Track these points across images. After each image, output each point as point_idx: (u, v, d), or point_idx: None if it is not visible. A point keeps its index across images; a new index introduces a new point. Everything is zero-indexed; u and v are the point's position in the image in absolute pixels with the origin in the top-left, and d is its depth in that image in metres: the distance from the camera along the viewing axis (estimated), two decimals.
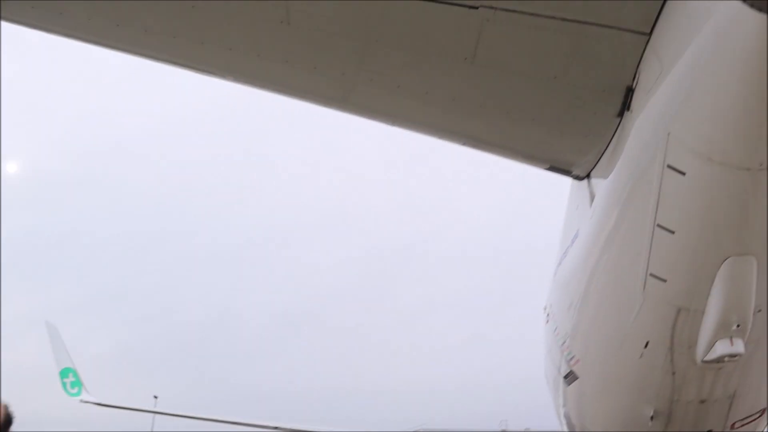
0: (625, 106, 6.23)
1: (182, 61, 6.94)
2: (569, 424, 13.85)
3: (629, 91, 6.10)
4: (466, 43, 5.93)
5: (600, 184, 7.36)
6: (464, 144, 7.75)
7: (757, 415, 9.79)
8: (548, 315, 11.59)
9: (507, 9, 5.48)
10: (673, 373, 8.38)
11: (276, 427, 26.10)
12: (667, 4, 5.30)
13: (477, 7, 5.49)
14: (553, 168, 7.93)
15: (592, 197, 7.62)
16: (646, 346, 8.13)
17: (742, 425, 9.85)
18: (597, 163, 7.25)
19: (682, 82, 5.39)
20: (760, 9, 4.42)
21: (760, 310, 6.87)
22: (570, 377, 10.86)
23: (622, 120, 6.40)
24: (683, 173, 5.76)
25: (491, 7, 5.46)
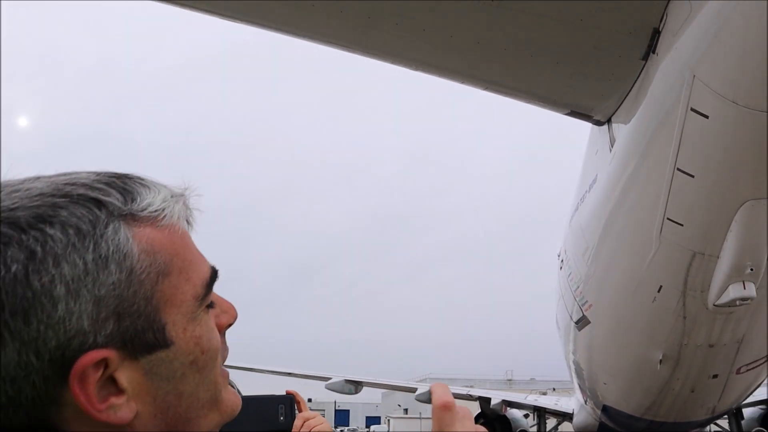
0: (651, 48, 6.24)
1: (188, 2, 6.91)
2: (578, 369, 14.20)
3: (656, 34, 6.11)
4: None
5: (621, 129, 7.42)
6: (486, 89, 7.78)
7: (763, 360, 10.06)
8: (562, 261, 11.79)
9: None
10: (684, 318, 8.60)
11: (289, 373, 26.73)
12: None
13: None
14: (574, 113, 7.97)
15: (612, 142, 7.69)
16: (659, 290, 8.32)
17: (748, 370, 10.14)
18: (619, 107, 7.28)
19: (710, 24, 5.40)
20: None
21: None
22: (582, 322, 11.12)
23: (647, 63, 6.41)
24: (706, 116, 5.82)
25: None
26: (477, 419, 21.46)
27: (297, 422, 1.98)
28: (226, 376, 1.03)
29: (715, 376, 9.88)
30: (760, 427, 18.20)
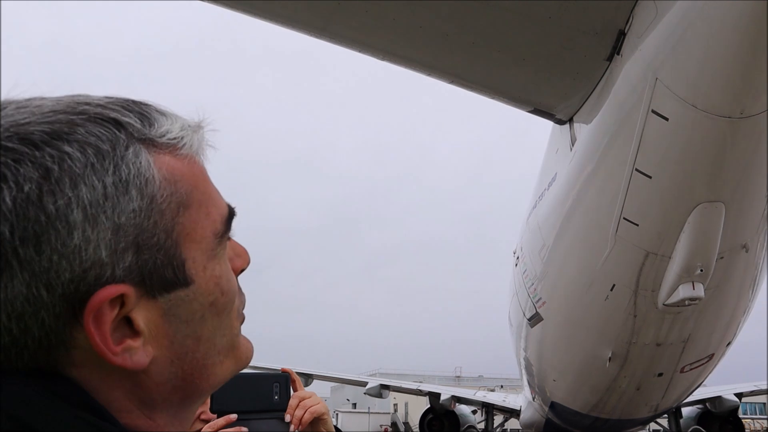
0: (616, 49, 6.34)
1: None
2: (528, 366, 14.43)
3: (621, 35, 6.21)
4: None
5: (582, 128, 7.53)
6: (452, 82, 7.78)
7: (706, 359, 10.39)
8: (518, 258, 11.93)
9: None
10: (635, 316, 8.80)
11: None
12: None
13: None
14: (537, 111, 8.05)
15: (573, 141, 7.80)
16: (612, 289, 8.50)
17: (691, 369, 10.46)
18: (581, 107, 7.39)
19: (674, 28, 5.52)
20: None
21: (722, 257, 7.22)
22: (534, 319, 11.28)
23: (611, 64, 6.52)
24: (666, 119, 5.95)
25: None
26: (426, 414, 21.64)
27: (292, 402, 1.91)
28: (242, 322, 0.97)
29: (660, 375, 10.15)
30: (697, 425, 18.85)
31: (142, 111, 0.86)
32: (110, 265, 0.77)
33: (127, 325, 0.81)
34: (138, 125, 0.84)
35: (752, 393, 19.92)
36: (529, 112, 8.12)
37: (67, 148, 0.77)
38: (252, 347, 0.99)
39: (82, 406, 0.78)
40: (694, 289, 7.32)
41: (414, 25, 6.92)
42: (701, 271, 7.12)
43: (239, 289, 0.97)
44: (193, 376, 0.88)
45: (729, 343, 10.33)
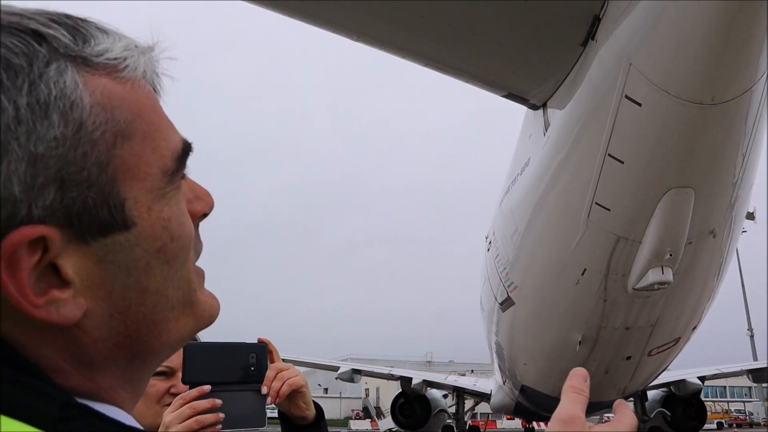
0: (590, 35, 6.36)
1: None
2: (499, 350, 14.59)
3: (596, 20, 6.22)
4: None
5: (556, 114, 7.56)
6: (426, 65, 7.74)
7: (672, 343, 10.61)
8: (490, 243, 12.00)
9: None
10: (605, 301, 8.93)
11: None
12: None
13: None
14: (511, 95, 8.05)
15: (547, 126, 7.83)
16: (583, 273, 8.59)
17: (658, 352, 10.67)
18: (555, 92, 7.41)
19: (649, 14, 5.54)
20: None
21: (690, 242, 7.33)
22: (506, 304, 11.38)
23: (586, 49, 6.54)
24: (639, 104, 6.00)
25: None
26: (398, 398, 21.77)
27: (269, 373, 1.83)
28: (201, 275, 0.86)
29: (628, 358, 10.34)
30: (662, 408, 19.29)
31: (76, 25, 0.73)
32: (25, 202, 0.66)
33: (55, 274, 0.69)
34: (66, 40, 0.71)
35: (714, 376, 20.43)
36: (504, 96, 8.12)
37: None
38: (217, 304, 0.88)
39: (6, 363, 0.67)
40: (663, 273, 7.44)
41: (389, 6, 6.85)
42: (670, 255, 7.23)
43: (197, 236, 0.85)
44: (140, 332, 0.77)
45: (695, 328, 10.55)
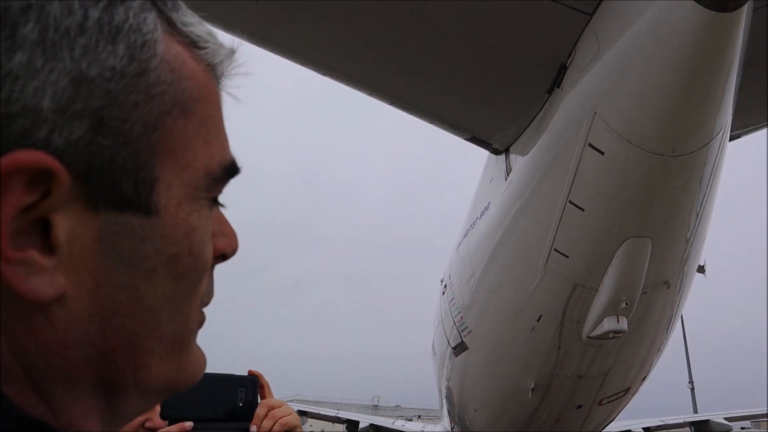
0: (557, 82, 6.46)
1: None
2: (449, 395, 14.38)
3: (562, 69, 6.33)
4: None
5: (518, 159, 7.61)
6: (392, 104, 7.73)
7: (623, 393, 10.64)
8: (446, 286, 11.92)
9: None
10: (559, 348, 8.90)
11: None
12: None
13: None
14: (474, 139, 8.10)
15: (509, 171, 7.87)
16: (538, 319, 8.57)
17: (609, 402, 10.67)
18: (519, 137, 7.48)
19: (615, 65, 5.66)
20: (699, 0, 4.69)
21: (645, 292, 7.41)
22: (459, 348, 11.25)
23: (551, 96, 6.63)
24: (602, 153, 6.07)
25: None
26: None
27: (260, 410, 1.63)
28: (201, 323, 0.70)
29: (579, 407, 10.29)
30: None
31: None
32: (49, 122, 0.53)
33: (39, 233, 0.54)
34: None
35: (659, 428, 20.67)
36: (467, 139, 8.16)
37: None
38: (204, 361, 0.72)
39: None
40: (618, 322, 7.47)
41: (358, 42, 6.84)
42: (626, 304, 7.28)
43: (211, 281, 0.72)
44: (116, 354, 0.60)
45: (644, 378, 10.62)
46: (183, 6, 0.67)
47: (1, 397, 0.53)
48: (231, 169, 0.70)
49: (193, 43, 0.66)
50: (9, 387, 0.55)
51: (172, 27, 0.64)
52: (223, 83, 0.71)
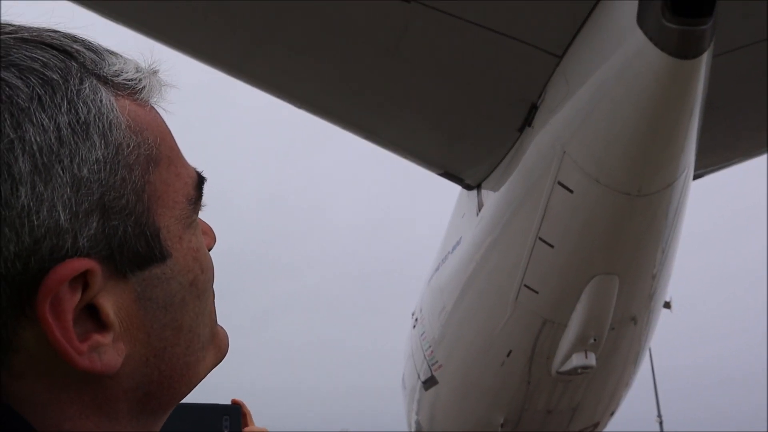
0: (527, 122, 6.61)
1: None
2: (418, 430, 14.25)
3: (533, 108, 6.49)
4: (392, 34, 6.02)
5: (490, 195, 7.73)
6: (366, 137, 7.81)
7: (591, 427, 10.68)
8: (416, 320, 11.91)
9: (438, 9, 5.64)
10: (529, 383, 8.94)
11: None
12: (581, 30, 5.71)
13: (409, 1, 5.60)
14: (447, 174, 8.21)
15: (480, 207, 7.98)
16: (508, 354, 8.61)
17: None
18: (490, 173, 7.61)
19: (583, 106, 5.82)
20: (663, 48, 4.88)
21: (613, 328, 7.52)
22: (429, 382, 11.21)
23: (522, 135, 6.78)
24: (571, 191, 6.21)
25: (424, 4, 5.59)
26: None
27: None
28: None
29: None
30: None
31: (89, 45, 0.68)
32: (71, 232, 0.58)
33: (91, 318, 0.61)
34: (90, 57, 0.66)
35: None
36: (440, 174, 8.27)
37: (2, 74, 0.56)
38: (227, 334, 0.83)
39: None
40: (587, 358, 7.56)
41: (334, 77, 6.94)
42: (594, 340, 7.37)
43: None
44: (172, 379, 0.69)
45: (612, 413, 10.69)
46: (101, 49, 0.70)
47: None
48: (201, 183, 0.77)
49: (131, 90, 0.70)
50: None
51: (113, 86, 0.68)
52: (161, 99, 0.76)
